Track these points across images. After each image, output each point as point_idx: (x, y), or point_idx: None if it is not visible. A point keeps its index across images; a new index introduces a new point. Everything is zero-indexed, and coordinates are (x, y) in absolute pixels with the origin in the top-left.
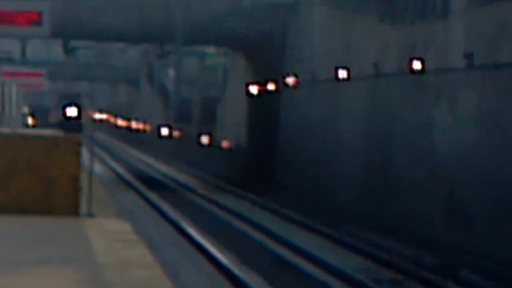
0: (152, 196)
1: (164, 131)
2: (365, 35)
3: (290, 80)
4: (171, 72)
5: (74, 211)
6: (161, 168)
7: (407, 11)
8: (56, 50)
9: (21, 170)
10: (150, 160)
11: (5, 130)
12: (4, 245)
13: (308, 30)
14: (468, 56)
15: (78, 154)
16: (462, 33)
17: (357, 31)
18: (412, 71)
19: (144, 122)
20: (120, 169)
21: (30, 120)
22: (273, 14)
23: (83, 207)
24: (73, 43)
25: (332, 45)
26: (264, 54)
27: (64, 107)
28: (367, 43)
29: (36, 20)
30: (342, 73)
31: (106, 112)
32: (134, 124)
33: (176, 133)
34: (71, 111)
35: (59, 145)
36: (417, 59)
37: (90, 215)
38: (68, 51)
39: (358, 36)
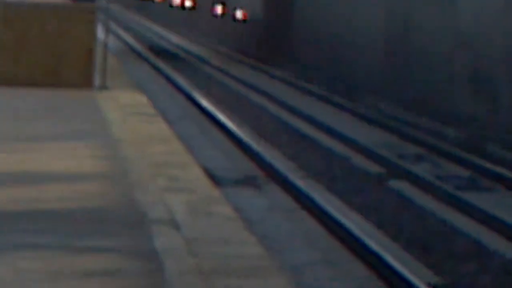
0: (164, 67)
1: (176, 1)
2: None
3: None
4: None
5: (87, 83)
6: (173, 39)
7: None
8: None
9: (32, 41)
10: (162, 30)
11: None
12: (17, 119)
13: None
14: None
15: (92, 24)
16: None
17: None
18: None
19: None
20: (131, 40)
21: None
22: None
23: (97, 80)
24: None
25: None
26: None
27: None
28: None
29: None
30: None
31: None
32: None
33: (188, 3)
34: None
35: (73, 15)
36: None
37: (104, 87)
38: None
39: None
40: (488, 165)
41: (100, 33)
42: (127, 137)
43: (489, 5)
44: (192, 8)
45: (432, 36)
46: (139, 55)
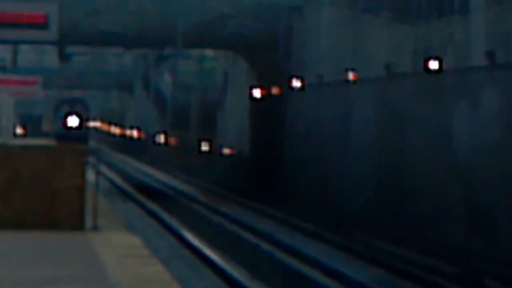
0: (153, 206)
1: (160, 138)
2: (376, 35)
3: (296, 83)
4: (167, 77)
5: (79, 224)
6: (160, 177)
7: (421, 9)
8: (49, 56)
9: (23, 182)
10: (147, 168)
11: (4, 141)
12: (9, 264)
13: (314, 30)
14: (490, 54)
15: (84, 165)
16: (483, 31)
17: (367, 31)
18: (428, 70)
19: (138, 129)
20: (117, 179)
21: (19, 130)
22: (277, 14)
23: (88, 220)
24: (69, 49)
25: (341, 46)
26: (268, 57)
27: (65, 116)
28: (378, 43)
29: (42, 24)
30: (351, 75)
31: (99, 119)
32: (129, 132)
33: (172, 140)
34: (73, 121)
35: (64, 156)
36: (434, 58)
37: (95, 228)
38: (63, 57)
39: (368, 36)
40: None
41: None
42: (124, 280)
43: (486, 136)
44: (176, 146)
45: (427, 167)
46: (126, 194)
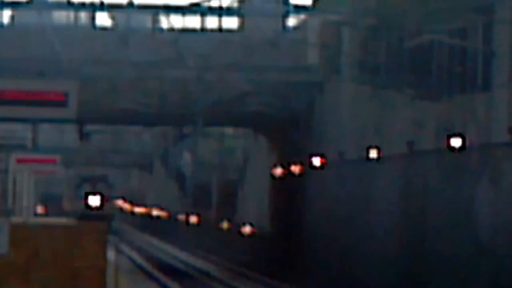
0: (173, 285)
1: (181, 217)
2: (398, 111)
3: (317, 161)
4: (187, 155)
5: None
6: (181, 255)
7: (443, 85)
8: (69, 135)
9: (44, 261)
10: (168, 247)
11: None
12: None
13: (336, 107)
14: None
15: (105, 244)
16: (506, 107)
17: (389, 107)
18: (451, 148)
19: (159, 208)
20: (137, 257)
21: (39, 208)
22: (298, 91)
23: None
24: (89, 127)
25: (362, 122)
26: (288, 134)
27: (86, 195)
28: (400, 119)
29: (61, 102)
30: (373, 153)
31: (120, 197)
32: (150, 211)
33: (193, 219)
34: (94, 200)
35: (85, 235)
36: (457, 135)
37: None
38: (83, 135)
39: (390, 113)
40: None
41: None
42: None
43: (509, 212)
44: (198, 224)
45: (450, 244)
46: (147, 273)
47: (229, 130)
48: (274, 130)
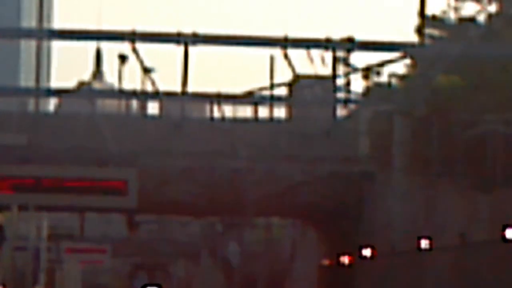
0: None
1: None
2: (450, 202)
3: (367, 251)
4: (234, 245)
5: None
6: None
7: (497, 177)
8: (116, 224)
9: None
10: None
11: None
12: None
13: (386, 197)
14: None
15: None
16: None
17: (440, 197)
18: (505, 239)
19: None
20: None
21: None
22: (349, 182)
23: None
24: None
25: (413, 213)
26: (338, 224)
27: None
28: (452, 210)
29: (121, 190)
30: (425, 243)
31: None
32: None
33: None
34: None
35: None
36: (511, 227)
37: None
38: (132, 225)
39: (441, 203)
40: None
41: None
42: None
43: None
44: None
45: None
46: None
47: (276, 220)
48: (323, 221)
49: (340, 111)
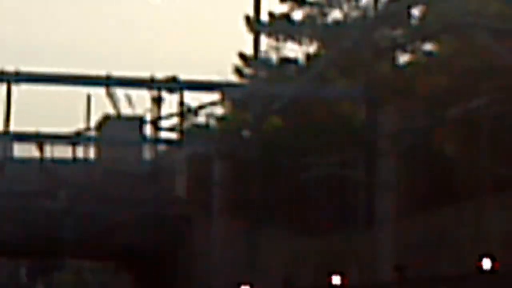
0: None
1: None
2: (273, 247)
3: None
4: None
5: None
6: None
7: (324, 220)
8: None
9: None
10: None
11: None
12: None
13: (205, 242)
14: (400, 268)
15: None
16: (392, 244)
17: (263, 242)
18: (331, 285)
19: None
20: None
21: None
22: (165, 225)
23: None
24: None
25: (234, 258)
26: (153, 269)
27: None
28: (275, 255)
29: None
30: None
31: None
32: None
33: None
34: None
35: None
36: (336, 273)
37: None
38: None
39: (264, 248)
40: None
41: None
42: None
43: None
44: None
45: None
46: None
47: (88, 263)
48: (137, 265)
49: (150, 152)
